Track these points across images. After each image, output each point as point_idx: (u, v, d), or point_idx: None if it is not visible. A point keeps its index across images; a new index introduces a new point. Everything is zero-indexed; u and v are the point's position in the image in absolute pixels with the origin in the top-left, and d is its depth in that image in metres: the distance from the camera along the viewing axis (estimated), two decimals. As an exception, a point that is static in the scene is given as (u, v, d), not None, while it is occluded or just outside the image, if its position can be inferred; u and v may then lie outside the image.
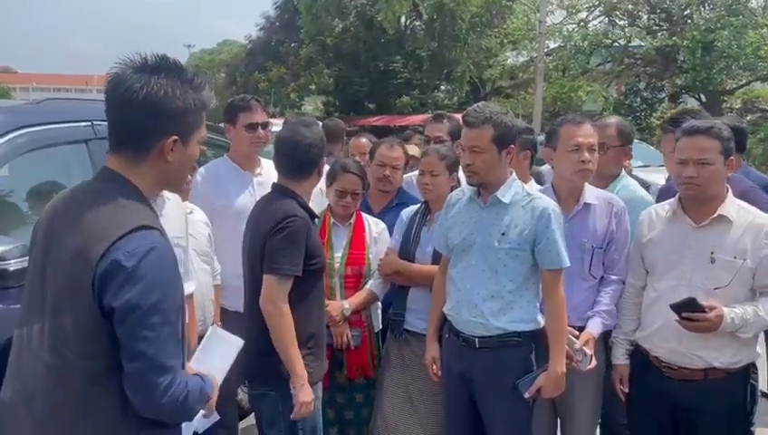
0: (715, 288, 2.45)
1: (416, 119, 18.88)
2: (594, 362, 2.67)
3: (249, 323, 2.62)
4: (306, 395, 2.47)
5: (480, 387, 2.66)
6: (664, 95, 20.49)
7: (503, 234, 2.57)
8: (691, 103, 20.13)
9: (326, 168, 2.97)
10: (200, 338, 2.89)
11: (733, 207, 2.50)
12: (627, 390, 2.71)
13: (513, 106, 23.57)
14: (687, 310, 2.41)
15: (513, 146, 2.62)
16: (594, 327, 2.73)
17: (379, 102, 25.01)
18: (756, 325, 2.45)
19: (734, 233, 2.46)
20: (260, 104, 3.38)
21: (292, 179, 2.62)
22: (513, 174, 2.68)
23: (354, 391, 3.15)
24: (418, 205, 3.18)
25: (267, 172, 3.24)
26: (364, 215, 3.26)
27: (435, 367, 2.85)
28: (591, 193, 2.83)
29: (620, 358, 2.74)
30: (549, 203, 2.60)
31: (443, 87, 24.81)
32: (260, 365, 2.58)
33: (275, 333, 2.46)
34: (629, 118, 18.88)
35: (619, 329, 2.75)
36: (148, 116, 1.55)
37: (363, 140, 4.30)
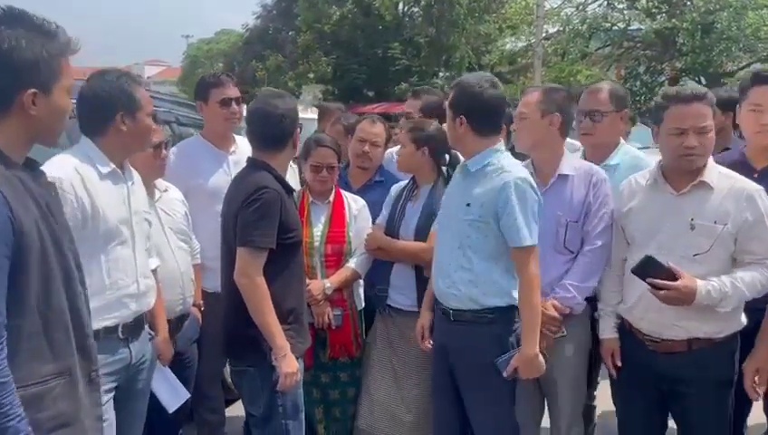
0: (695, 255, 2.38)
1: (414, 105, 18.76)
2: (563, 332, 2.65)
3: (227, 299, 2.59)
4: (289, 366, 2.43)
5: (455, 361, 2.64)
6: (664, 78, 20.30)
7: (467, 205, 2.53)
8: (691, 86, 20.02)
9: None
10: (180, 318, 2.88)
11: (713, 172, 2.44)
12: (619, 364, 2.62)
13: (513, 91, 23.42)
14: (650, 273, 2.35)
15: (462, 116, 2.53)
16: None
17: (378, 90, 24.90)
18: (735, 298, 2.37)
19: (714, 198, 2.39)
20: (231, 79, 3.33)
21: (266, 152, 2.57)
22: (497, 145, 2.59)
23: (338, 370, 3.13)
24: (408, 180, 3.14)
25: (242, 150, 3.20)
26: (343, 192, 3.23)
27: (423, 335, 2.82)
28: (569, 164, 2.75)
29: (608, 331, 2.65)
30: (514, 176, 2.46)
31: (442, 73, 24.61)
32: (238, 341, 2.55)
33: (251, 306, 2.42)
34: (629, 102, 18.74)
35: (604, 302, 2.69)
36: None
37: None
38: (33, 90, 1.55)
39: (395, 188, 3.17)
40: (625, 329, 2.61)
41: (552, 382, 2.77)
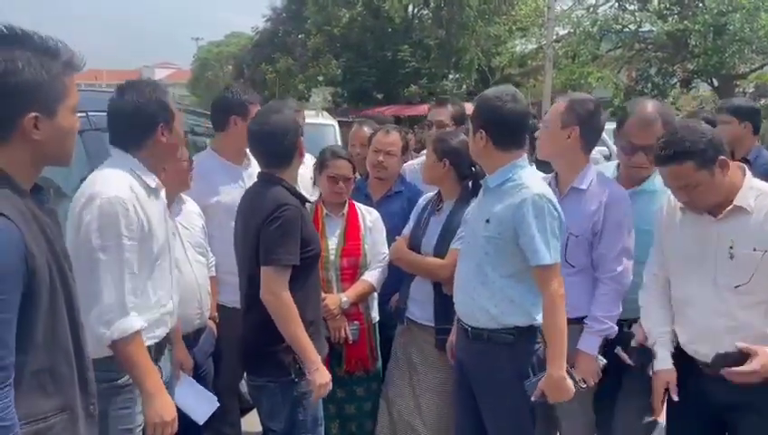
0: (737, 286, 2.22)
1: (424, 108, 18.74)
2: (589, 383, 2.56)
3: (247, 314, 2.60)
4: (323, 377, 2.46)
5: (473, 378, 2.62)
6: (675, 80, 20.18)
7: (487, 221, 2.49)
8: (703, 88, 19.87)
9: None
10: (198, 331, 2.87)
11: (750, 193, 2.25)
12: (676, 398, 2.37)
13: (523, 94, 23.32)
14: (723, 365, 2.19)
15: (482, 129, 2.50)
16: (586, 345, 2.58)
17: (387, 92, 24.91)
18: None
19: (753, 223, 2.21)
20: None
21: (275, 169, 2.57)
22: (518, 160, 2.53)
23: (354, 385, 3.12)
24: (436, 192, 3.12)
25: (254, 162, 3.17)
26: (357, 204, 3.21)
27: (453, 352, 2.82)
28: (586, 178, 2.67)
29: (665, 361, 2.42)
30: (533, 192, 2.41)
31: (451, 76, 24.61)
32: (259, 356, 2.56)
33: (281, 323, 2.43)
34: (640, 104, 18.59)
35: (655, 326, 2.48)
36: None
37: (365, 128, 4.07)
38: (34, 114, 1.47)
39: (423, 199, 3.16)
40: (677, 351, 2.43)
41: (559, 410, 2.70)
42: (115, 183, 2.12)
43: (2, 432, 1.38)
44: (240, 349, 2.65)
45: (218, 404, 2.77)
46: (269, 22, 28.32)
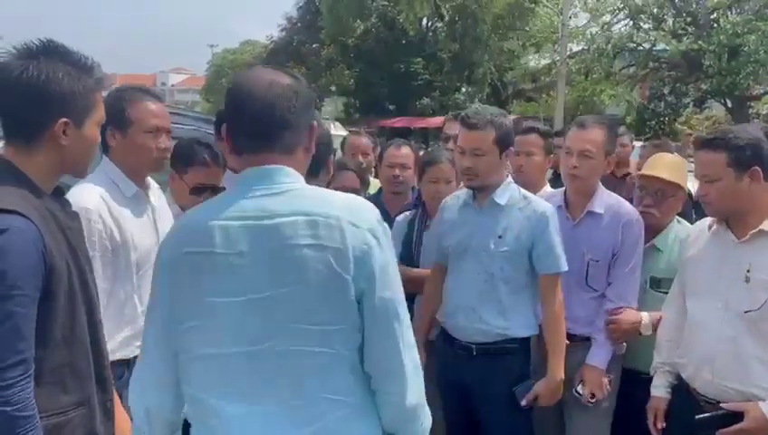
0: (746, 311, 2.16)
1: (436, 121, 18.81)
2: (598, 396, 2.57)
3: None
4: None
5: (478, 396, 2.58)
6: (689, 100, 20.18)
7: (499, 237, 2.49)
8: (716, 109, 19.82)
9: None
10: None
11: None
12: (660, 425, 2.39)
13: (535, 109, 23.38)
14: (711, 426, 2.14)
15: (511, 148, 2.55)
16: (596, 359, 2.60)
17: (400, 104, 25.02)
18: None
19: None
20: None
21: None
22: (509, 177, 2.62)
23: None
24: (412, 210, 3.11)
25: None
26: None
27: None
28: (601, 201, 2.68)
29: (660, 389, 2.44)
30: (547, 206, 2.52)
31: (464, 89, 24.69)
32: None
33: None
34: (653, 122, 18.63)
35: (660, 355, 2.49)
36: (30, 102, 1.54)
37: (364, 139, 4.07)
38: (65, 119, 1.58)
39: (401, 222, 3.09)
40: (681, 387, 2.39)
41: (568, 416, 2.71)
42: (84, 194, 2.07)
43: (24, 422, 1.43)
44: None
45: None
46: (284, 31, 28.59)
